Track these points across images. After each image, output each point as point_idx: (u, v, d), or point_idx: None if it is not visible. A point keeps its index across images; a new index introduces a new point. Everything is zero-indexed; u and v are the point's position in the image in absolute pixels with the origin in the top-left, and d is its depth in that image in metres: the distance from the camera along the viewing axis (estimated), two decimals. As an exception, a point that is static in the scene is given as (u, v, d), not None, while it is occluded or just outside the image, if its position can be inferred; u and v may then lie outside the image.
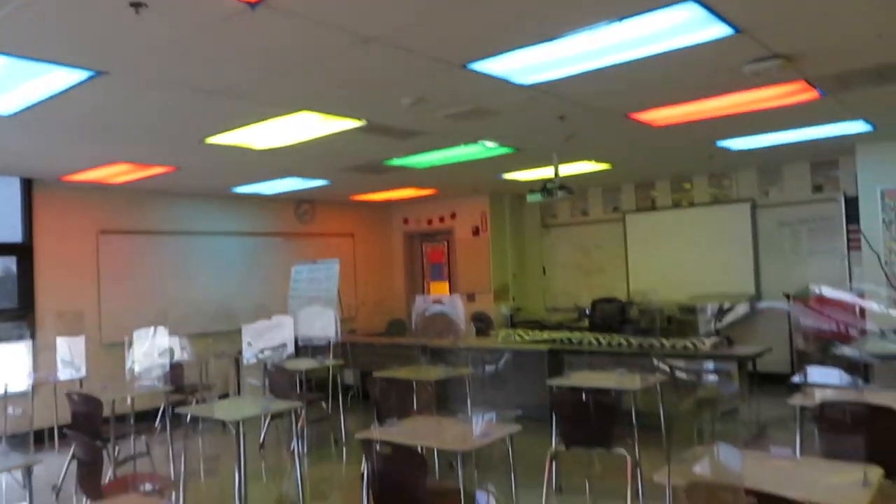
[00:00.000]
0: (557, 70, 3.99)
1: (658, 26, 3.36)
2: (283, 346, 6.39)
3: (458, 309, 6.59)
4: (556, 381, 5.07)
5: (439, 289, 10.66)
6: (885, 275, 6.79)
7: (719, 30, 3.46)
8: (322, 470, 5.86)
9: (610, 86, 4.39)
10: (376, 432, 3.46)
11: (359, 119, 4.93)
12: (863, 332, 6.46)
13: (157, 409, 6.90)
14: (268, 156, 6.04)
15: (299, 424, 5.29)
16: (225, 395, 7.38)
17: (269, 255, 9.11)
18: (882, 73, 4.45)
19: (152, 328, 5.69)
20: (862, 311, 6.77)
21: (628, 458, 4.39)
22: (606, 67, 3.93)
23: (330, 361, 6.97)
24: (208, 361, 7.69)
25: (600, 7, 3.10)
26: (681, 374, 5.91)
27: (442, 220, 10.46)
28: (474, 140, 5.98)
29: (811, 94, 4.86)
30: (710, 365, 5.93)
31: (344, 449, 6.50)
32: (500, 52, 3.64)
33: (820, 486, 2.58)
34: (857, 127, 6.12)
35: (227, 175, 7.20)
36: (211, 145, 5.47)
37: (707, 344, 6.08)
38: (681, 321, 8.23)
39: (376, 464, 3.23)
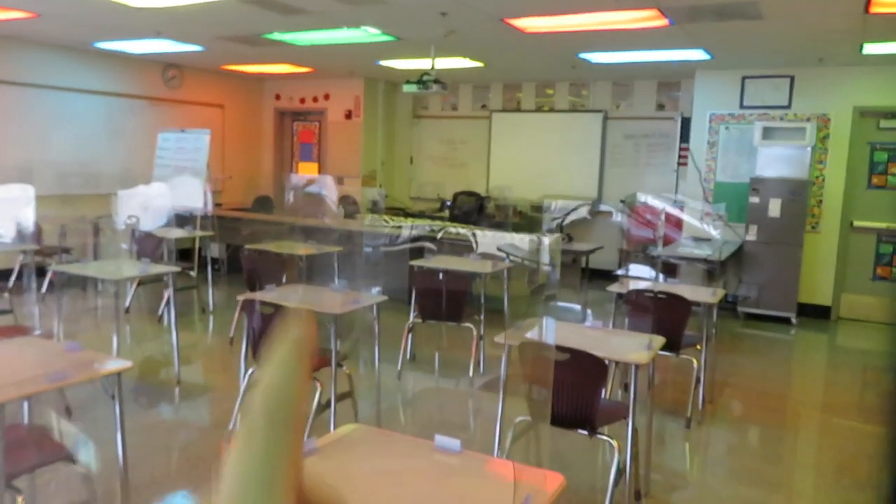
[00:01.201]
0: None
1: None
2: (161, 212, 6.42)
3: (331, 190, 6.88)
4: (416, 262, 5.63)
5: (308, 169, 10.78)
6: (703, 190, 7.88)
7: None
8: (189, 337, 6.12)
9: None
10: (258, 294, 3.83)
11: (245, -8, 4.91)
12: (674, 239, 7.57)
13: (12, 270, 6.73)
14: (142, 13, 5.81)
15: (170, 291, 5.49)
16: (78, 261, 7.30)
17: (132, 118, 8.73)
18: (721, 11, 5.11)
19: (10, 185, 5.50)
20: (678, 219, 7.87)
21: (474, 331, 5.10)
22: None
23: (197, 233, 7.08)
24: (65, 224, 7.50)
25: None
26: (526, 263, 6.67)
27: (315, 100, 10.43)
28: (357, 25, 6.10)
29: (662, 22, 5.46)
30: (546, 256, 6.72)
31: (211, 318, 6.78)
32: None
33: (617, 348, 3.32)
34: (697, 55, 6.90)
35: (93, 29, 6.78)
36: (82, -4, 5.21)
37: (550, 239, 6.88)
38: (531, 217, 9.07)
39: (256, 323, 3.62)
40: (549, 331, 2.83)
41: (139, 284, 6.47)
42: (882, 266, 7.37)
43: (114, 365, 2.46)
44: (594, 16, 5.33)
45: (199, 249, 7.04)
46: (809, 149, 7.08)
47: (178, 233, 6.74)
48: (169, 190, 7.28)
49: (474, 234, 6.62)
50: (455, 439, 1.95)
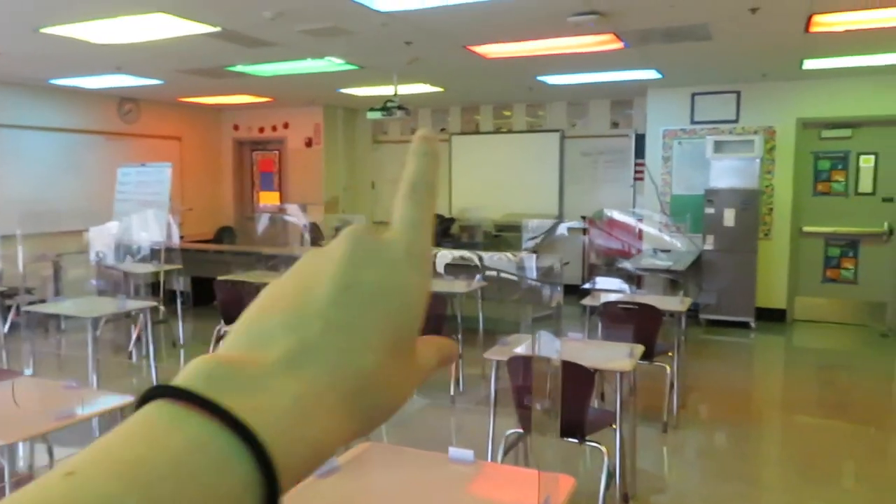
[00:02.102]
0: (413, 1, 4.39)
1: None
2: (130, 248, 6.35)
3: (302, 219, 6.90)
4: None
5: (269, 198, 10.75)
6: (660, 203, 8.17)
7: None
8: (167, 371, 6.04)
9: (455, 20, 4.88)
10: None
11: (214, 25, 4.96)
12: (638, 251, 7.82)
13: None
14: (104, 50, 5.79)
15: (143, 326, 5.44)
16: (42, 301, 7.13)
17: (89, 154, 8.61)
18: (671, 34, 5.40)
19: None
20: (640, 232, 8.14)
21: (452, 350, 5.18)
22: (455, 4, 4.40)
23: (161, 266, 7.00)
24: (26, 264, 7.32)
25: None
26: (505, 276, 6.79)
27: (274, 129, 10.45)
28: (322, 55, 6.19)
29: (617, 45, 5.72)
30: (531, 273, 6.84)
31: (182, 351, 6.70)
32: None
33: (600, 357, 3.46)
34: (650, 74, 7.21)
35: (51, 66, 6.71)
36: (45, 35, 5.17)
37: (518, 256, 7.03)
38: (496, 236, 9.24)
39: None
40: (547, 344, 2.95)
41: (108, 321, 6.38)
42: (831, 269, 7.75)
43: (118, 401, 2.47)
44: (554, 41, 5.55)
45: (164, 283, 6.96)
46: (758, 160, 7.43)
47: (145, 267, 6.67)
48: (133, 224, 7.20)
49: (480, 258, 6.75)
50: (468, 450, 2.04)
